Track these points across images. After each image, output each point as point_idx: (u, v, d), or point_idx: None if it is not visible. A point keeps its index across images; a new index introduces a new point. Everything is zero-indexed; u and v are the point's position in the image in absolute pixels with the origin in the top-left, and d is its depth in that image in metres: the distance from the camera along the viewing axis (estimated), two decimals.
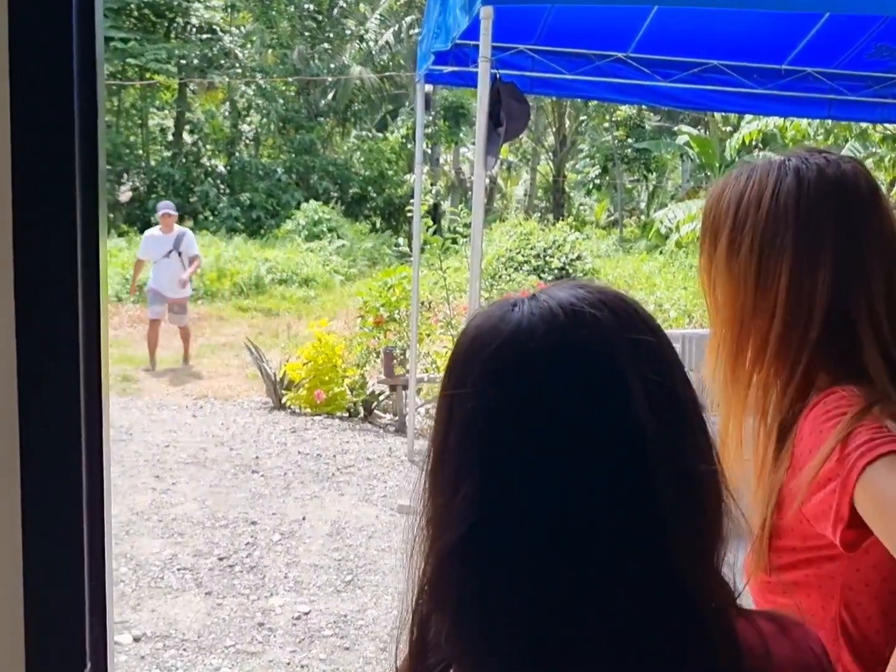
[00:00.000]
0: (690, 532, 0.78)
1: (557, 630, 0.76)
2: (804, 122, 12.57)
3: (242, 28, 26.49)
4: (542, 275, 15.32)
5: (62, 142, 0.85)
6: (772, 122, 13.43)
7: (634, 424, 0.76)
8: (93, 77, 0.88)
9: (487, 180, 29.19)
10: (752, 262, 1.27)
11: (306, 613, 4.58)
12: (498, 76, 4.42)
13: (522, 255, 16.12)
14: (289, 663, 4.12)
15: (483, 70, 4.20)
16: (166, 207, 10.36)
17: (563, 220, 21.37)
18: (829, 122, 11.99)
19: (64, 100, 0.85)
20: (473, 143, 4.45)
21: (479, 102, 4.20)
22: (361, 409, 8.47)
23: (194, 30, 24.97)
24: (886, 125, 11.73)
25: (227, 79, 25.53)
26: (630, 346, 0.78)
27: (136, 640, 4.29)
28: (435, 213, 22.03)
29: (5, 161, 0.83)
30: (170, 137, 26.26)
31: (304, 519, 5.81)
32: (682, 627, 0.77)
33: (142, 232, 20.12)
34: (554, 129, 30.48)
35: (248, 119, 26.82)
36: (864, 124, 11.92)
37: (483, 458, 0.77)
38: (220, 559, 5.17)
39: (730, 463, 1.31)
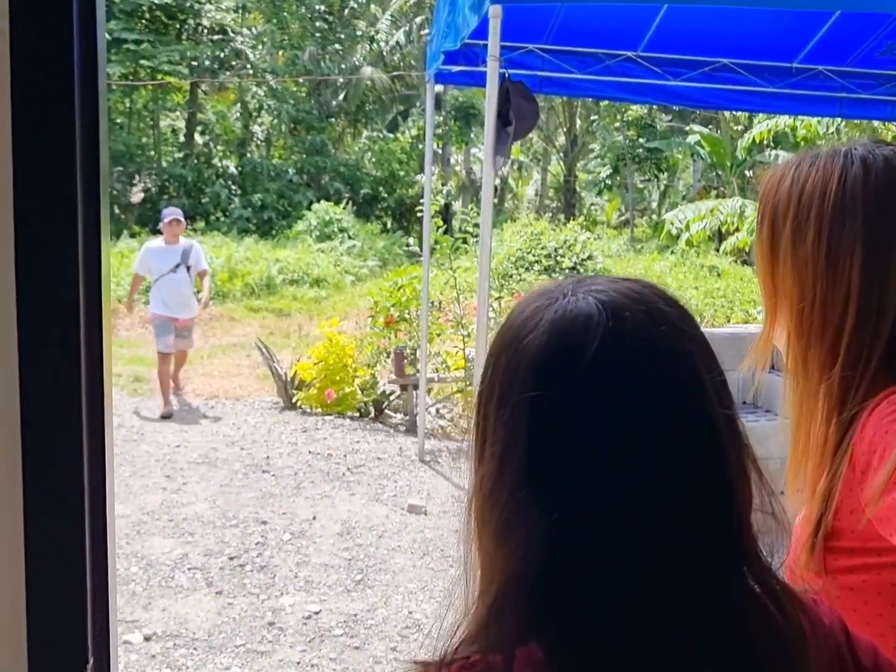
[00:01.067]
0: (749, 516, 0.83)
1: (647, 611, 0.78)
2: (814, 120, 12.52)
3: (253, 29, 26.57)
4: (552, 275, 15.31)
5: (63, 144, 0.85)
6: (782, 121, 13.38)
7: (709, 415, 0.80)
8: (94, 79, 0.89)
9: (498, 180, 29.21)
10: (819, 250, 1.22)
11: (316, 613, 4.59)
12: (507, 75, 4.42)
13: (533, 255, 16.11)
14: (299, 662, 4.13)
15: (492, 69, 4.21)
16: (174, 214, 8.70)
17: (573, 219, 21.35)
18: (840, 120, 11.93)
19: (65, 103, 0.85)
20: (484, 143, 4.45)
21: (488, 102, 4.20)
22: (372, 409, 8.48)
23: (205, 31, 25.05)
24: None
25: (238, 80, 25.62)
26: (697, 340, 0.83)
27: (147, 639, 4.30)
28: (446, 213, 22.05)
29: (6, 165, 0.83)
30: (181, 138, 26.37)
31: (314, 518, 5.82)
32: (759, 602, 0.82)
33: (154, 233, 20.13)
34: (565, 129, 30.48)
35: (260, 120, 26.91)
36: (875, 123, 11.86)
37: (575, 450, 0.78)
38: (231, 559, 5.18)
39: (797, 460, 1.27)
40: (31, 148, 0.84)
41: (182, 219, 8.77)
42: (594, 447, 0.77)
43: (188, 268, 8.53)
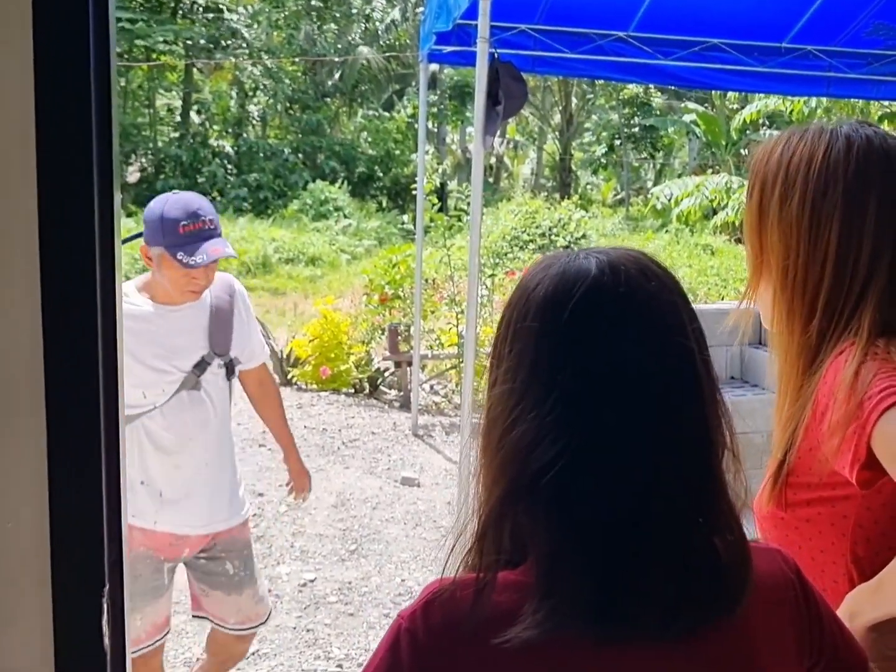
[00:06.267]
0: (720, 448, 0.94)
1: (631, 535, 0.88)
2: (802, 103, 12.58)
3: (249, 8, 26.48)
4: (546, 253, 15.37)
5: (81, 128, 0.93)
6: (772, 102, 13.45)
7: (691, 354, 0.92)
8: (107, 64, 0.97)
9: (493, 159, 29.20)
10: (803, 213, 1.35)
11: (312, 581, 4.71)
12: (496, 56, 4.50)
13: (528, 234, 16.16)
14: (295, 628, 4.26)
15: (481, 50, 4.29)
16: (196, 209, 2.70)
17: (569, 198, 21.39)
18: (829, 100, 12.00)
19: (82, 87, 0.93)
20: None
21: (478, 82, 4.29)
22: (367, 385, 8.57)
23: (201, 10, 24.99)
24: (883, 102, 11.75)
25: (233, 59, 25.57)
26: (682, 296, 0.96)
27: None
28: (441, 192, 22.03)
29: (30, 151, 0.92)
30: (177, 118, 26.35)
31: (309, 491, 5.93)
32: (726, 532, 0.93)
33: None
34: (560, 108, 30.41)
35: (255, 99, 26.87)
36: (863, 102, 11.94)
37: (567, 371, 0.89)
38: None
39: (780, 408, 1.40)
40: (51, 135, 0.93)
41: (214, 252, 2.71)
42: (582, 372, 0.89)
43: (229, 368, 3.14)
